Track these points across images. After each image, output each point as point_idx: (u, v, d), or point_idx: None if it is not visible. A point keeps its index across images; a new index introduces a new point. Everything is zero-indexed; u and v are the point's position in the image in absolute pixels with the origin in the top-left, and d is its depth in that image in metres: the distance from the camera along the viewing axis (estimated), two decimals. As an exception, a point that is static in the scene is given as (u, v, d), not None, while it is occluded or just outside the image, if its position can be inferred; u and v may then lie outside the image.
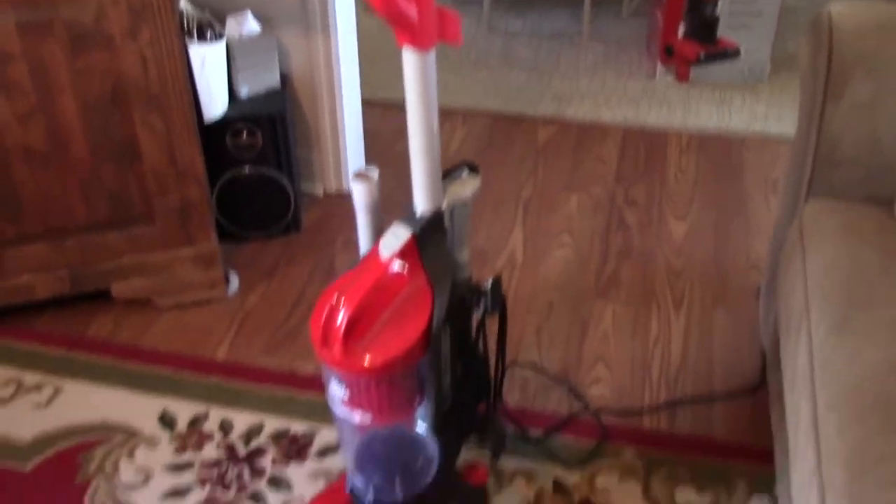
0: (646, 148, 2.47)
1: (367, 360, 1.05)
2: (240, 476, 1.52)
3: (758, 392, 1.67)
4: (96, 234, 1.79)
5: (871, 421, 1.01)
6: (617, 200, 2.25)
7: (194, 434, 1.60)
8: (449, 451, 1.24)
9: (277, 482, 1.51)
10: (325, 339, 1.06)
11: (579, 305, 1.90)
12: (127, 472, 1.53)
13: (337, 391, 1.10)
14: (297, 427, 1.61)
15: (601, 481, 1.50)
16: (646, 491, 1.49)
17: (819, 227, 1.36)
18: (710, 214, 2.18)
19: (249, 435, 1.60)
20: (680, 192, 2.28)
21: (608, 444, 1.57)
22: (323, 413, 1.63)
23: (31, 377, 1.72)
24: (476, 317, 1.16)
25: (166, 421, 1.63)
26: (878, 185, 1.40)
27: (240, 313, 1.89)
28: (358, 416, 1.12)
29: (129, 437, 1.59)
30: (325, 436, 1.59)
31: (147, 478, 1.52)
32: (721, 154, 2.44)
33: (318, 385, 1.70)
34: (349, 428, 1.19)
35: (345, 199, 2.27)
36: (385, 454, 1.24)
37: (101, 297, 1.87)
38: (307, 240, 2.11)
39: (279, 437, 1.59)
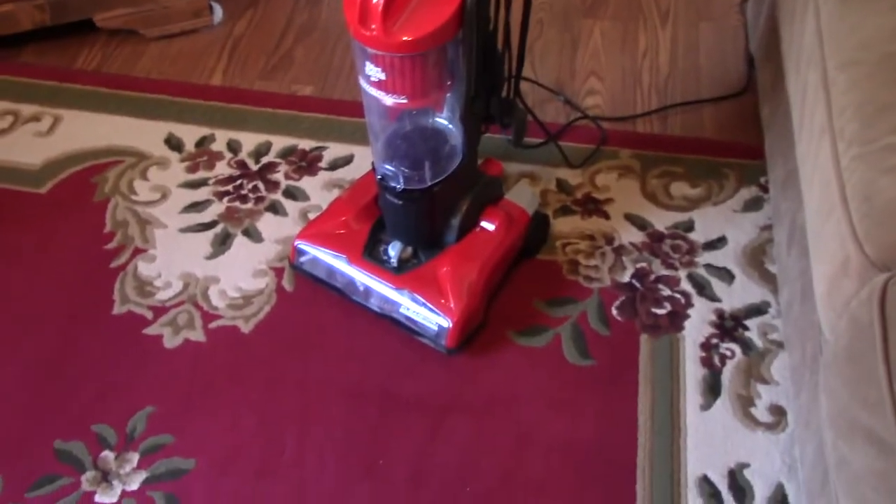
0: None
1: (405, 37, 1.07)
2: (255, 189, 1.57)
3: (744, 95, 1.74)
4: (74, -42, 1.72)
5: (878, 75, 1.08)
6: (597, -78, 2.21)
7: (204, 154, 1.63)
8: (472, 139, 1.29)
9: (293, 193, 1.57)
10: (363, 19, 1.07)
11: (569, 23, 1.92)
12: (143, 191, 1.57)
13: (372, 73, 1.12)
14: (304, 144, 1.65)
15: (601, 179, 1.59)
16: (643, 187, 1.58)
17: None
18: (690, -67, 2.17)
19: (258, 153, 1.63)
20: (660, -88, 2.24)
21: (605, 148, 1.65)
22: (328, 131, 1.67)
23: (27, 108, 1.71)
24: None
25: (173, 144, 1.65)
26: None
27: (229, 41, 1.87)
28: (392, 99, 1.15)
29: (140, 160, 1.62)
30: (333, 151, 1.63)
31: (164, 195, 1.56)
32: None
33: (319, 106, 1.72)
34: (381, 113, 1.23)
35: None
36: (413, 143, 1.29)
37: (84, 30, 1.83)
38: (286, -31, 2.06)
39: (288, 154, 1.63)
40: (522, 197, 1.43)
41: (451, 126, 1.28)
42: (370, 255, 1.37)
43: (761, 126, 1.58)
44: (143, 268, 1.45)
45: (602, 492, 1.20)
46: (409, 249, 1.36)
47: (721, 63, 1.83)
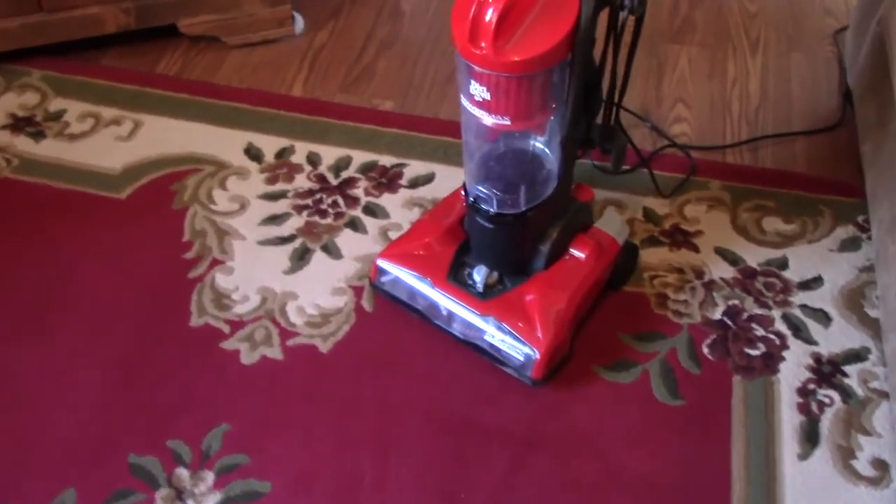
0: None
1: (516, 57, 1.03)
2: (335, 204, 1.54)
3: (838, 129, 1.68)
4: (162, -37, 1.71)
5: None
6: (684, -54, 2.16)
7: (283, 166, 1.60)
8: (568, 164, 1.25)
9: (373, 210, 1.53)
10: (474, 37, 1.03)
11: (655, 49, 1.87)
12: (222, 200, 1.54)
13: (476, 92, 1.09)
14: (385, 160, 1.61)
15: (690, 210, 1.54)
16: (734, 220, 1.52)
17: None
18: (780, -40, 2.11)
19: (338, 167, 1.60)
20: (748, -63, 2.19)
21: (694, 178, 1.59)
22: (409, 147, 1.63)
23: (107, 111, 1.70)
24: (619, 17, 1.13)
25: (253, 154, 1.62)
26: None
27: (309, 52, 1.85)
28: (493, 120, 1.11)
29: (219, 169, 1.59)
30: (414, 168, 1.60)
31: (243, 206, 1.54)
32: None
33: (400, 122, 1.69)
34: (479, 133, 1.19)
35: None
36: (509, 166, 1.25)
37: (166, 35, 1.82)
38: (367, -19, 2.04)
39: (368, 169, 1.60)
40: (612, 225, 1.39)
41: (547, 150, 1.24)
42: (455, 278, 1.33)
43: (860, 163, 1.52)
44: (221, 280, 1.42)
45: (693, 540, 1.15)
46: (495, 274, 1.32)
47: (813, 95, 1.77)
